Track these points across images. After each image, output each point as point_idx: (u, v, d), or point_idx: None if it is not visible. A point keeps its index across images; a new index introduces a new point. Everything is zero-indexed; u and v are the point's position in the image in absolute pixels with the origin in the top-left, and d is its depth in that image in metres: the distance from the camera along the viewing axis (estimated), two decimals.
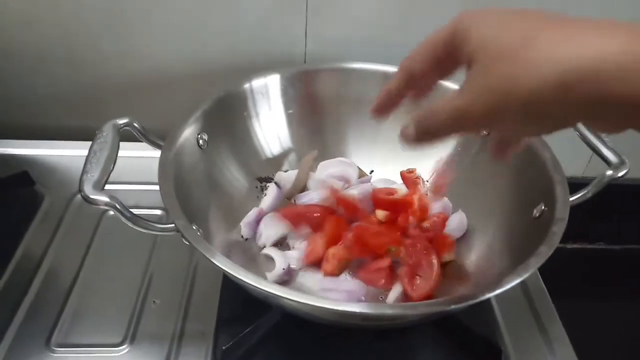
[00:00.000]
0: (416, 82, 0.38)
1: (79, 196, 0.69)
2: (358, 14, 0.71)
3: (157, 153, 0.55)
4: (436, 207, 0.65)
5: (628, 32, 0.28)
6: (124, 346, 0.55)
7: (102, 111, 0.76)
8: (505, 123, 0.34)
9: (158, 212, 0.69)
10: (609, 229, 0.96)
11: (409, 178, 0.68)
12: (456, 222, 0.63)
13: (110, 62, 0.75)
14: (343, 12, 0.71)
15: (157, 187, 0.51)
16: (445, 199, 0.66)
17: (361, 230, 0.59)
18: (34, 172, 0.72)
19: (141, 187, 0.71)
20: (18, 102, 0.79)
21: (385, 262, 0.57)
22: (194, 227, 0.50)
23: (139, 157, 0.71)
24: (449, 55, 0.35)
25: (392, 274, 0.56)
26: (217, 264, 0.45)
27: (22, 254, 0.63)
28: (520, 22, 0.32)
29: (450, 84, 0.64)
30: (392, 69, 0.67)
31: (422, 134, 0.37)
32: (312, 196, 0.63)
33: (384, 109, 0.41)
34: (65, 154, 0.76)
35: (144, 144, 0.58)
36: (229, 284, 0.59)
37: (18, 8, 0.70)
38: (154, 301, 0.60)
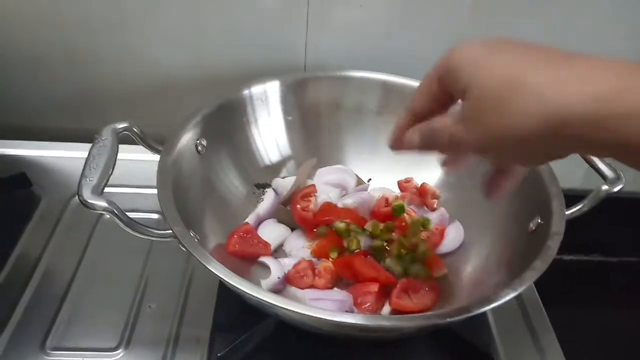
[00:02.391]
0: (423, 117, 0.40)
1: (76, 198, 0.70)
2: (358, 24, 0.72)
3: (154, 157, 0.55)
4: (433, 218, 0.65)
5: (617, 75, 0.29)
6: (118, 351, 0.55)
7: (101, 114, 0.76)
8: (499, 156, 0.37)
9: (155, 216, 0.69)
10: (605, 241, 0.96)
11: (406, 187, 0.68)
12: (453, 234, 0.63)
13: (110, 66, 0.75)
14: (343, 22, 0.71)
15: (154, 191, 0.51)
16: (442, 209, 0.66)
17: (355, 257, 0.59)
18: (31, 174, 0.72)
19: (138, 191, 0.71)
20: (18, 104, 0.79)
21: (374, 287, 0.56)
22: (192, 234, 0.50)
23: (137, 161, 0.71)
24: (443, 92, 0.37)
25: (380, 298, 0.56)
26: (214, 271, 0.45)
27: (18, 255, 0.63)
28: (508, 61, 0.32)
29: None
30: (390, 78, 0.68)
31: (425, 146, 0.39)
32: None
33: (399, 143, 0.42)
34: (63, 155, 0.76)
35: (141, 147, 0.58)
36: (225, 290, 0.59)
37: (19, 12, 0.71)
38: (149, 306, 0.60)
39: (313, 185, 0.65)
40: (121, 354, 0.55)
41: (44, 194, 0.71)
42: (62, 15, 0.71)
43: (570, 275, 0.95)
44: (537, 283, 0.65)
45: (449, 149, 0.38)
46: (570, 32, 0.73)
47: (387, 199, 0.65)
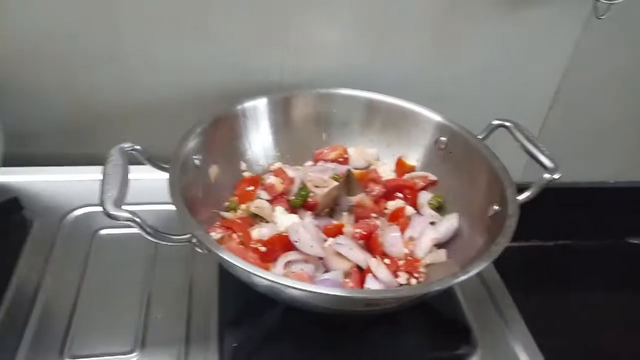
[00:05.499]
0: None
1: (68, 218, 0.73)
2: (333, 48, 0.79)
3: (151, 175, 0.61)
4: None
5: None
6: (134, 353, 0.59)
7: (94, 138, 0.79)
8: None
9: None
10: (543, 227, 1.05)
11: None
12: (445, 227, 0.69)
13: (103, 93, 0.79)
14: (319, 46, 0.79)
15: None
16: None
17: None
18: (23, 198, 0.74)
19: (140, 208, 0.73)
20: (14, 131, 0.77)
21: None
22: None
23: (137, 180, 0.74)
24: None
25: (361, 280, 0.62)
26: (238, 264, 0.51)
27: (18, 280, 0.64)
28: None
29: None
30: (373, 95, 0.76)
31: None
32: None
33: None
34: (51, 179, 0.77)
35: (135, 167, 0.61)
36: (225, 289, 0.65)
37: (17, 41, 0.73)
38: (156, 317, 0.63)
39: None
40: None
41: (35, 217, 0.72)
42: (59, 45, 0.74)
43: (513, 260, 1.05)
44: (500, 269, 0.74)
45: None
46: (549, 34, 0.81)
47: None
